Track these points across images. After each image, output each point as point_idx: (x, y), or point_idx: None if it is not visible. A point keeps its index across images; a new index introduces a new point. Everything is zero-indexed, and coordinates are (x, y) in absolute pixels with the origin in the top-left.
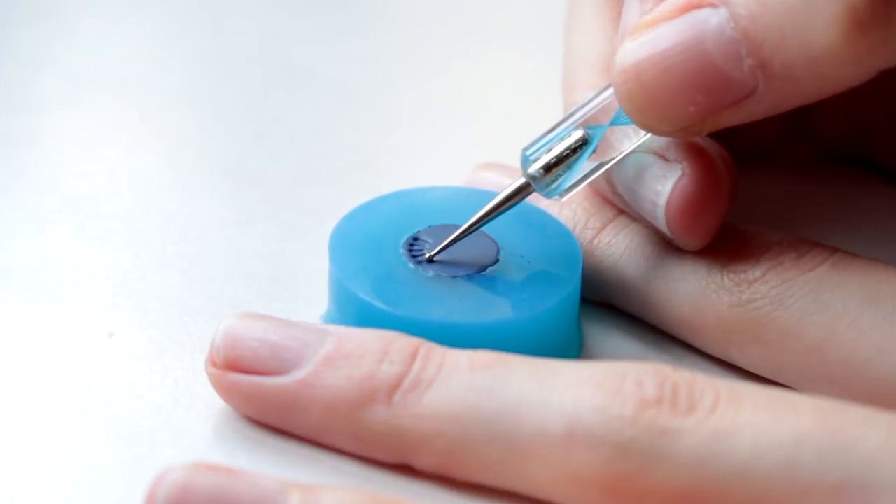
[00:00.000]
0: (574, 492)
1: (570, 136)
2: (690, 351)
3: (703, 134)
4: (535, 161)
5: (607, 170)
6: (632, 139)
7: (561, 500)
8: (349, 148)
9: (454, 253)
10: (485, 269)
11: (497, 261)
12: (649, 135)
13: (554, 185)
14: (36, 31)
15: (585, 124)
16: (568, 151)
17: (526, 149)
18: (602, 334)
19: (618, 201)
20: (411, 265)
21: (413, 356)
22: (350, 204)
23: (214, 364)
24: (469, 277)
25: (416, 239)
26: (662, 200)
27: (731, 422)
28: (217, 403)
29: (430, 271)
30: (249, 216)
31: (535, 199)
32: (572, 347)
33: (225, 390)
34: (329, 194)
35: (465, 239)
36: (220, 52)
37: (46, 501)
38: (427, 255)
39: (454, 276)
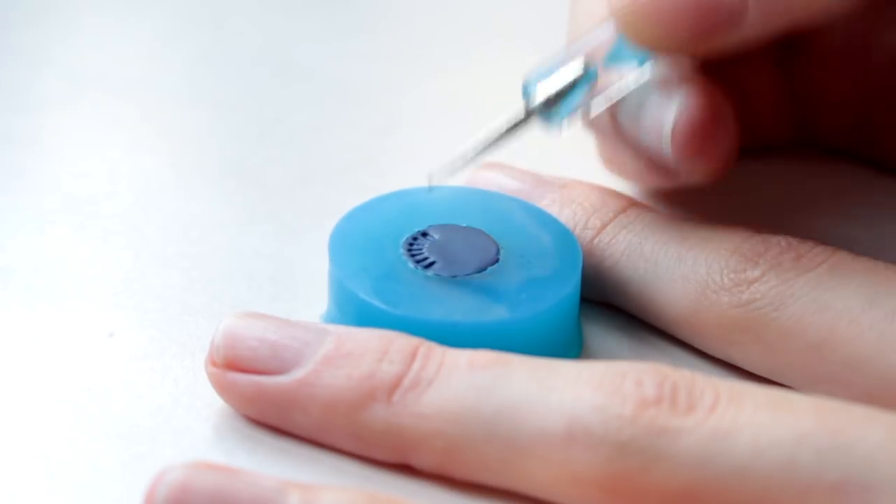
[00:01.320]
0: (574, 491)
1: (570, 66)
2: (690, 351)
3: (698, 56)
4: (536, 92)
5: (612, 112)
6: (631, 74)
7: (561, 500)
8: (349, 148)
9: (454, 253)
10: (485, 269)
11: (497, 261)
12: (648, 68)
13: (554, 113)
14: (36, 31)
15: (588, 57)
16: (568, 83)
17: (527, 78)
18: (602, 334)
19: (624, 143)
20: (411, 265)
21: (413, 356)
22: (350, 204)
23: (214, 363)
24: (469, 277)
25: (416, 239)
26: (668, 127)
27: (731, 421)
28: (217, 403)
29: (430, 271)
30: (249, 216)
31: (532, 197)
32: (572, 347)
33: (224, 390)
34: (329, 194)
35: (465, 239)
36: (221, 52)
37: (46, 501)
38: (430, 184)
39: (454, 276)
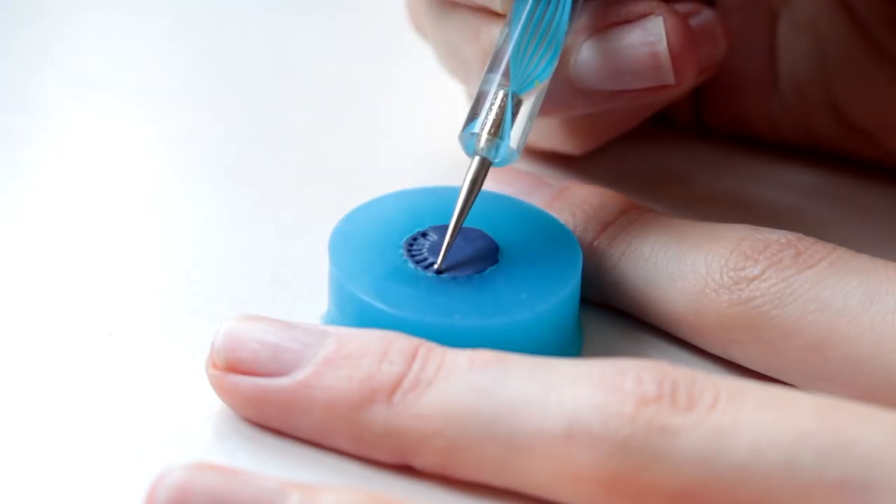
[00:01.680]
0: (574, 490)
1: (487, 100)
2: (691, 352)
3: None
4: (478, 137)
5: (566, 79)
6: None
7: (561, 499)
8: (349, 148)
9: (454, 254)
10: (485, 269)
11: (497, 261)
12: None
13: (502, 147)
14: (36, 31)
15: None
16: (497, 110)
17: (460, 137)
18: (602, 334)
19: (589, 102)
20: (411, 265)
21: (413, 356)
22: (350, 204)
23: (215, 365)
24: (469, 278)
25: (416, 239)
26: (663, 44)
27: (732, 419)
28: (217, 403)
29: (430, 272)
30: (249, 216)
31: (532, 199)
32: (572, 348)
33: (225, 392)
34: (329, 194)
35: (465, 239)
36: (221, 52)
37: (46, 501)
38: (436, 268)
39: (454, 277)
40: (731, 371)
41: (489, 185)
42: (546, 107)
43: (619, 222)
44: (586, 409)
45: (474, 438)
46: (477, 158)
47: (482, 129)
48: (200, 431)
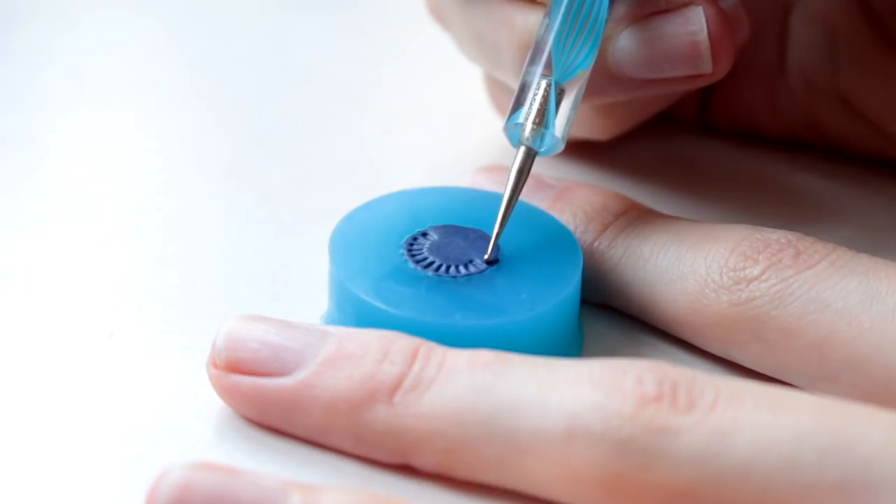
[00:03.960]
0: (574, 490)
1: (531, 90)
2: (691, 352)
3: None
4: (522, 127)
5: (604, 67)
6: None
7: (561, 499)
8: (349, 148)
9: (454, 253)
10: (485, 269)
11: (497, 261)
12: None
13: (547, 136)
14: (36, 31)
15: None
16: (540, 101)
17: (505, 127)
18: (602, 334)
19: (624, 89)
20: (411, 265)
21: (413, 356)
22: (350, 204)
23: (216, 365)
24: (469, 278)
25: (416, 239)
26: (703, 33)
27: (732, 420)
28: (217, 403)
29: (430, 271)
30: (249, 216)
31: (533, 200)
32: (572, 348)
33: (226, 392)
34: (329, 194)
35: (465, 239)
36: (221, 52)
37: (46, 501)
38: (486, 258)
39: (454, 277)
40: (731, 371)
41: (490, 186)
42: (586, 93)
43: (619, 223)
44: (586, 409)
45: (475, 438)
46: (522, 148)
47: (527, 119)
48: (200, 431)
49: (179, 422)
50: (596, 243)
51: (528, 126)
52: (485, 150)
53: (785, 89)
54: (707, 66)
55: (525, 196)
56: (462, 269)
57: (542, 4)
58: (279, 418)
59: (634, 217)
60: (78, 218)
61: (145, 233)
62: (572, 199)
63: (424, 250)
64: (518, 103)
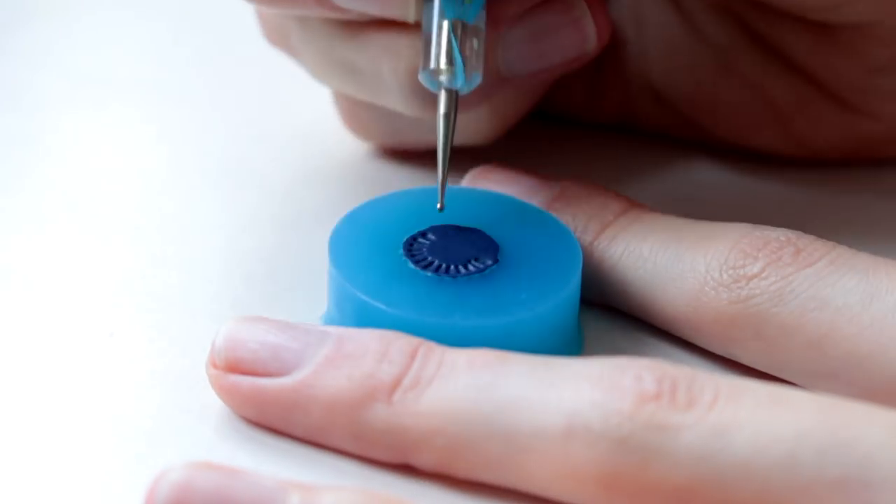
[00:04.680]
0: (573, 488)
1: (437, 32)
2: (691, 351)
3: None
4: (434, 68)
5: (495, 71)
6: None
7: (561, 497)
8: (349, 148)
9: (454, 253)
10: (485, 269)
11: (497, 261)
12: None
13: (458, 72)
14: (36, 31)
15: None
16: (446, 42)
17: (420, 72)
18: (602, 334)
19: (513, 86)
20: (411, 265)
21: (412, 356)
22: (350, 204)
23: (215, 366)
24: (469, 277)
25: (416, 239)
26: (587, 16)
27: (731, 418)
28: (217, 403)
29: (430, 272)
30: (249, 216)
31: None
32: (572, 348)
33: (226, 392)
34: (329, 194)
35: (465, 239)
36: (221, 52)
37: (47, 501)
38: (438, 207)
39: (454, 277)
40: (731, 370)
41: (490, 186)
42: (472, 98)
43: (619, 222)
44: (586, 407)
45: (474, 437)
46: (442, 92)
47: (437, 63)
48: (200, 431)
49: (179, 422)
50: (596, 243)
51: (441, 68)
52: (485, 149)
53: (600, 81)
54: (592, 46)
55: (525, 196)
56: (462, 269)
57: (417, 26)
58: (278, 418)
59: (634, 217)
60: (78, 218)
61: (145, 233)
62: (572, 198)
63: (424, 250)
64: (426, 53)
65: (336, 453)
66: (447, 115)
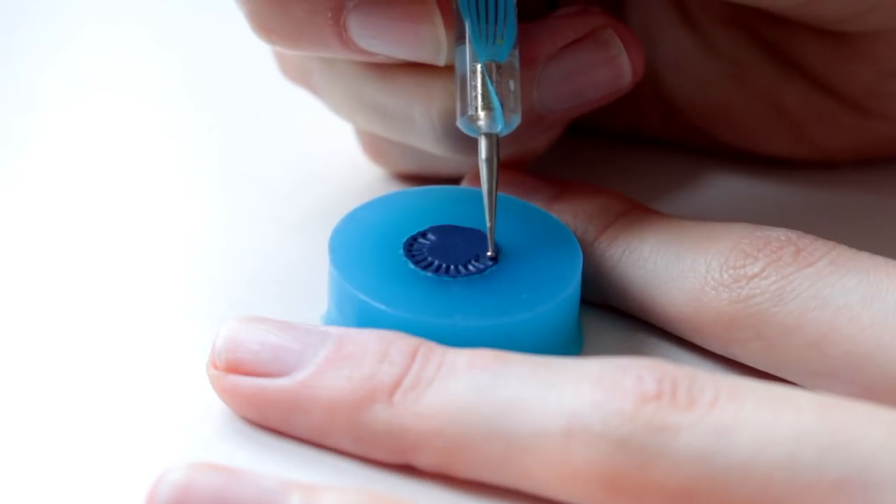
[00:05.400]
0: (574, 488)
1: (471, 77)
2: (691, 351)
3: None
4: (472, 115)
5: (531, 110)
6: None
7: (561, 497)
8: (349, 148)
9: (454, 253)
10: (485, 269)
11: (497, 261)
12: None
13: (497, 116)
14: (36, 31)
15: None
16: (481, 85)
17: (459, 121)
18: (602, 334)
19: (549, 124)
20: (411, 265)
21: (412, 356)
22: (350, 204)
23: (215, 366)
24: (469, 278)
25: (416, 239)
26: (623, 54)
27: (732, 418)
28: (217, 404)
29: (430, 272)
30: (250, 216)
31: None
32: (572, 348)
33: (226, 392)
34: (329, 194)
35: (465, 239)
36: (221, 52)
37: (47, 501)
38: (490, 255)
39: (454, 277)
40: (732, 370)
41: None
42: (512, 139)
43: (619, 223)
44: (586, 407)
45: (474, 437)
46: (482, 138)
47: (475, 109)
48: (200, 431)
49: (179, 422)
50: (596, 243)
51: (479, 114)
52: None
53: None
54: (628, 83)
55: (525, 196)
56: (462, 269)
57: (448, 68)
58: (279, 419)
59: (635, 217)
60: (78, 218)
61: (146, 232)
62: (572, 198)
63: (424, 251)
64: (463, 98)
65: (336, 453)
66: (489, 160)
